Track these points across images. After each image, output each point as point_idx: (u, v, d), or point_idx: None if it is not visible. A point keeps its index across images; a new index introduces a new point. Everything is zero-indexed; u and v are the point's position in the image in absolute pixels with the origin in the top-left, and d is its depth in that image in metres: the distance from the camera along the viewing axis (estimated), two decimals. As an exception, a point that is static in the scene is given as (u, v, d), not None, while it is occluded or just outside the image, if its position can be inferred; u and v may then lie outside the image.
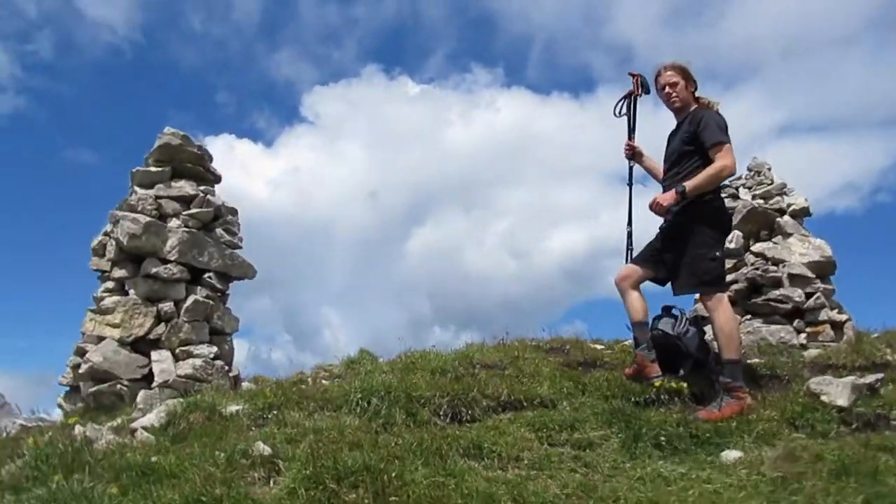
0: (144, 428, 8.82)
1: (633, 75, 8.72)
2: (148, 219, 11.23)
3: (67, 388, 11.63)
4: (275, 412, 9.26)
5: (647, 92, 8.83)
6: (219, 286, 12.21)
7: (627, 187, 9.53)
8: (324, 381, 12.01)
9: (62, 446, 7.45)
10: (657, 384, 8.72)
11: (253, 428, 8.98)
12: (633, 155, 8.94)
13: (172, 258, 11.52)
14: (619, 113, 8.90)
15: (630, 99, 8.80)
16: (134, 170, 12.05)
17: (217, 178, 13.22)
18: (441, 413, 9.12)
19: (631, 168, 9.14)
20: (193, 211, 12.10)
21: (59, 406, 11.65)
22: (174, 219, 11.93)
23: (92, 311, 11.26)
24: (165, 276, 11.40)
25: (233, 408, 9.36)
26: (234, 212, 12.87)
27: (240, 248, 12.91)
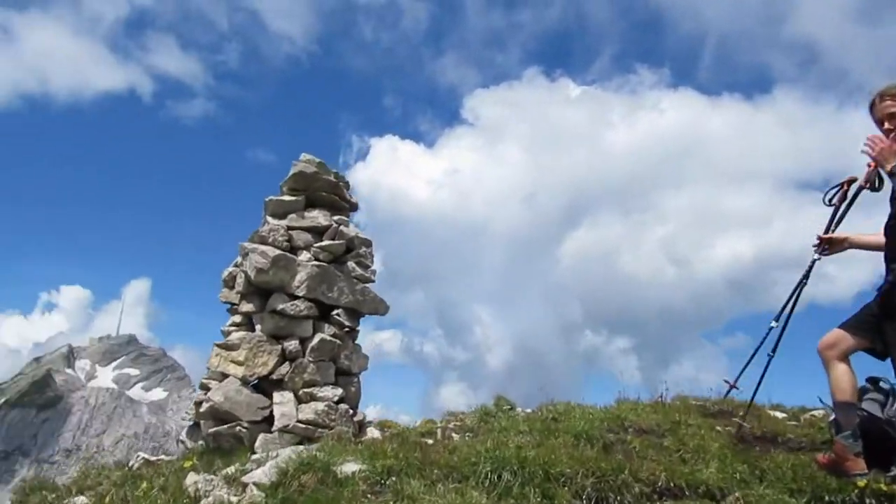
0: (256, 484, 8.10)
1: (871, 165, 6.77)
2: (277, 252, 10.69)
3: (191, 423, 11.07)
4: (394, 479, 8.15)
5: (876, 189, 6.90)
6: (347, 323, 11.46)
7: (802, 280, 7.78)
8: (454, 435, 10.89)
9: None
10: (861, 484, 6.71)
11: (369, 495, 8.01)
12: (825, 248, 7.00)
13: (300, 293, 10.89)
14: (829, 201, 7.00)
15: (849, 189, 6.90)
16: (267, 199, 11.62)
17: (353, 207, 12.59)
18: (584, 497, 7.77)
19: (812, 265, 7.22)
20: (325, 243, 11.48)
21: (182, 442, 11.17)
22: (305, 251, 11.39)
23: (218, 345, 10.79)
24: (292, 312, 10.76)
25: (350, 467, 8.53)
26: (367, 243, 12.12)
27: (372, 282, 12.16)
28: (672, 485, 7.94)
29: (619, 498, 7.62)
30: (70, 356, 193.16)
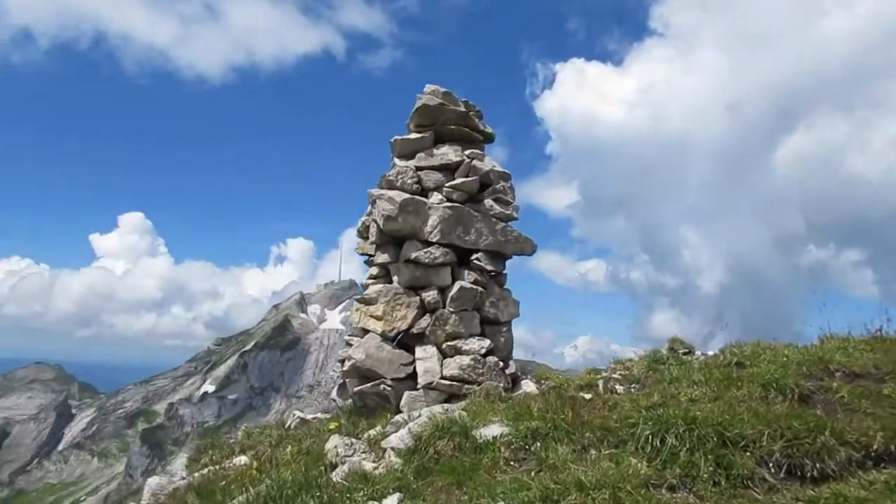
0: (393, 449, 7.90)
1: None
2: (404, 196, 9.84)
3: (340, 381, 10.64)
4: (538, 443, 7.01)
5: None
6: (490, 267, 10.38)
7: None
8: (617, 388, 9.55)
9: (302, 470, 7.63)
10: None
11: (511, 463, 7.10)
12: None
13: (434, 239, 10.00)
14: None
15: None
16: (393, 139, 10.68)
17: (488, 138, 11.40)
18: (771, 465, 6.28)
19: None
20: (457, 182, 10.46)
21: (333, 400, 10.81)
22: (436, 192, 10.33)
23: (359, 300, 10.19)
24: (426, 260, 9.91)
25: (491, 431, 7.88)
26: (505, 177, 10.92)
27: (514, 219, 11.01)
28: (893, 448, 6.22)
29: (817, 466, 6.14)
30: (302, 302, 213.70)
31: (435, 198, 10.76)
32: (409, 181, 10.84)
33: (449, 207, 10.55)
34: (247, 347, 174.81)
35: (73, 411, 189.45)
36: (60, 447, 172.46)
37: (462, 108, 11.32)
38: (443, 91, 11.26)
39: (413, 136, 11.20)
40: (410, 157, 11.18)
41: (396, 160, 11.25)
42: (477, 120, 11.61)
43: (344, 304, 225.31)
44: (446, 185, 10.86)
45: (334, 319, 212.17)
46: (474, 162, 11.02)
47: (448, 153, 11.03)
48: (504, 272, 11.38)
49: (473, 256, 10.81)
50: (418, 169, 11.01)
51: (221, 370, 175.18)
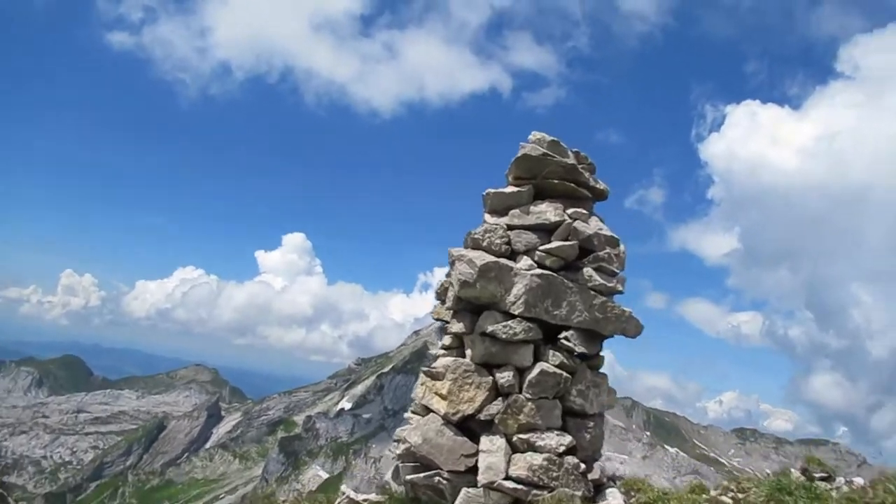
0: None
1: None
2: (486, 260, 8.60)
3: (397, 463, 9.36)
4: None
5: None
6: (581, 349, 8.81)
7: None
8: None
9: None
10: None
11: None
12: None
13: (517, 311, 8.60)
14: None
15: None
16: (486, 192, 9.30)
17: (599, 195, 9.92)
18: None
19: None
20: (552, 245, 9.01)
21: (386, 483, 9.53)
22: (526, 256, 8.81)
23: (424, 371, 8.80)
24: (504, 335, 8.51)
25: None
26: (613, 242, 9.35)
27: (618, 292, 9.24)
28: None
29: None
30: (441, 330, 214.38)
31: (524, 262, 9.29)
32: (497, 241, 9.46)
33: (538, 275, 9.05)
34: (385, 370, 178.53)
35: (223, 413, 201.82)
36: (208, 445, 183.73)
37: (570, 161, 9.82)
38: (549, 140, 9.84)
39: (508, 189, 9.84)
40: (503, 213, 9.81)
41: (487, 216, 9.91)
42: (588, 174, 10.04)
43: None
44: (539, 248, 9.37)
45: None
46: (576, 223, 9.46)
47: (546, 211, 9.55)
48: (600, 354, 9.65)
49: (562, 335, 9.19)
50: (510, 228, 9.62)
51: (359, 389, 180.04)
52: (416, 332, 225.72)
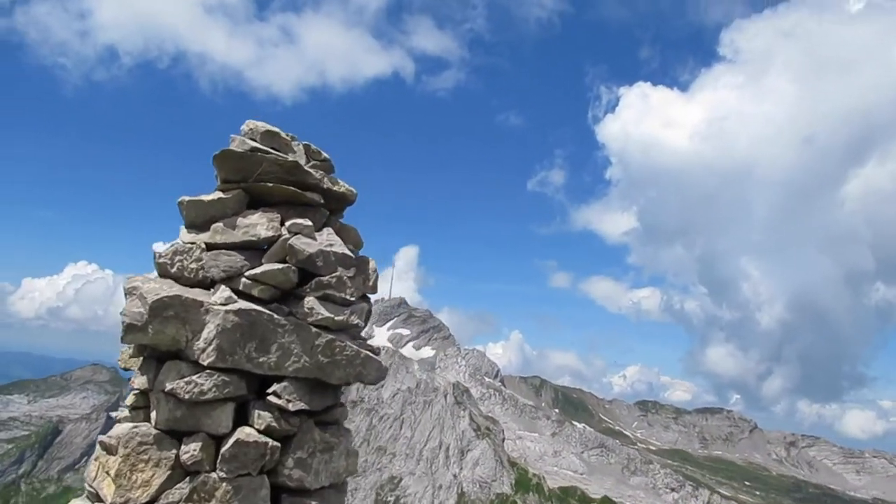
0: None
1: None
2: (162, 294, 6.47)
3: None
4: None
5: None
6: (299, 404, 6.53)
7: None
8: None
9: None
10: None
11: None
12: None
13: (207, 361, 6.00)
14: None
15: None
16: (180, 199, 6.80)
17: (339, 200, 7.42)
18: None
19: None
20: (259, 270, 6.57)
21: None
22: (225, 286, 6.31)
23: (101, 442, 6.32)
24: (187, 395, 5.91)
25: None
26: (347, 262, 7.00)
27: (353, 326, 6.98)
28: None
29: None
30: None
31: (221, 294, 6.93)
32: (191, 265, 7.08)
33: (236, 312, 6.72)
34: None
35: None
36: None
37: (290, 158, 7.47)
38: (264, 130, 7.51)
39: (209, 196, 7.41)
40: (204, 227, 7.40)
41: (183, 231, 7.47)
42: (320, 174, 7.73)
43: (392, 321, 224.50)
44: (246, 274, 7.04)
45: (381, 337, 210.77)
46: (294, 239, 7.16)
47: (257, 224, 7.22)
48: (337, 405, 7.45)
49: (272, 388, 6.92)
50: (210, 247, 7.23)
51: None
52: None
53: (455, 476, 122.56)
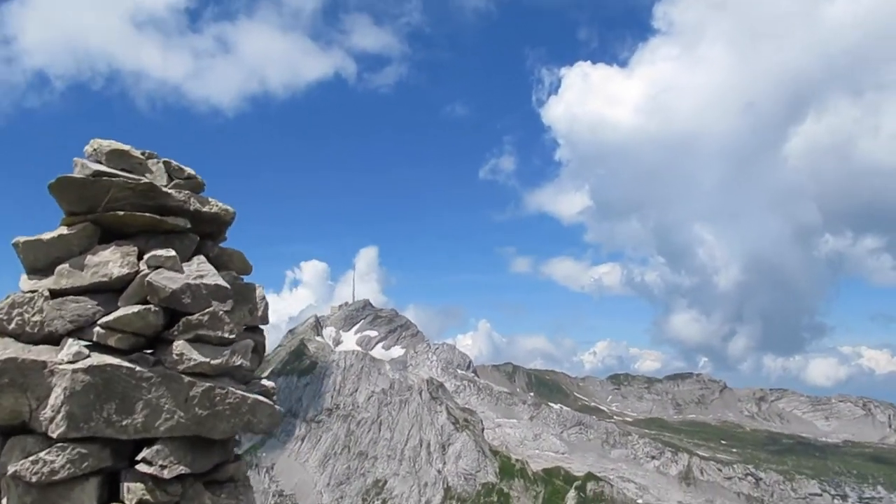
0: None
1: None
2: None
3: None
4: None
5: None
6: (179, 469, 5.33)
7: None
8: None
9: None
10: None
11: None
12: None
13: (56, 433, 4.78)
14: None
15: None
16: (15, 240, 5.57)
17: (210, 222, 6.24)
18: None
19: None
20: (112, 317, 5.33)
21: None
22: (74, 339, 5.13)
23: None
24: (34, 477, 4.71)
25: None
26: (222, 294, 5.75)
27: (237, 368, 5.72)
28: None
29: None
30: (318, 325, 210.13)
31: (68, 350, 5.78)
32: (33, 318, 5.92)
33: (87, 370, 5.59)
34: (264, 375, 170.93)
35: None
36: None
37: (144, 180, 6.34)
38: (110, 149, 6.36)
39: (49, 234, 6.24)
40: (49, 270, 6.24)
41: (24, 278, 6.30)
42: (185, 194, 6.61)
43: (358, 324, 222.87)
44: (99, 322, 5.91)
45: (350, 341, 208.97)
46: (154, 275, 6.04)
47: (109, 262, 6.08)
48: (229, 461, 6.37)
49: (141, 454, 5.81)
50: (55, 294, 6.07)
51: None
52: (292, 332, 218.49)
53: (439, 472, 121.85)
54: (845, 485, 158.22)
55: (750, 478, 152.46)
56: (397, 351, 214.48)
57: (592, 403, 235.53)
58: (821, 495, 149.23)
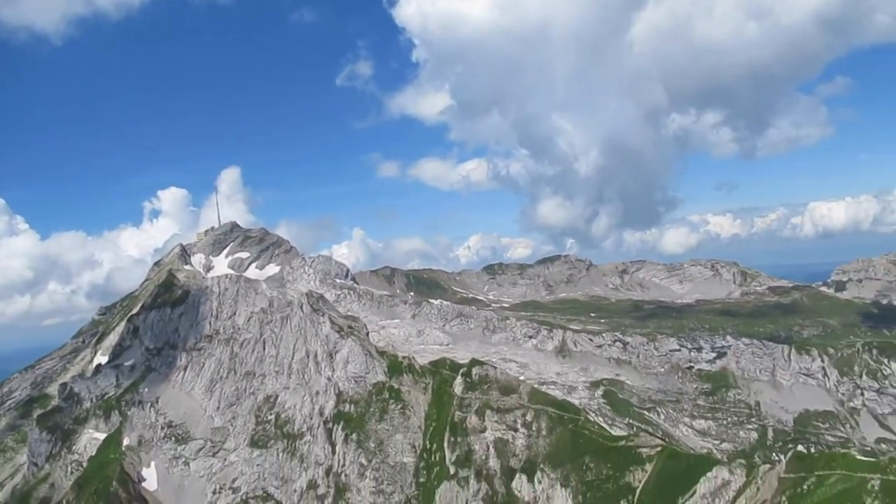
0: None
1: None
2: None
3: None
4: None
5: None
6: None
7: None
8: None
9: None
10: None
11: None
12: None
13: None
14: None
15: None
16: None
17: None
18: None
19: None
20: None
21: None
22: None
23: None
24: None
25: None
26: None
27: None
28: None
29: None
30: (184, 254, 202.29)
31: None
32: None
33: None
34: (134, 311, 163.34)
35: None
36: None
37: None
38: None
39: None
40: None
41: None
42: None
43: (228, 248, 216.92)
44: None
45: (221, 265, 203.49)
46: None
47: None
48: None
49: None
50: None
51: (111, 339, 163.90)
52: (157, 263, 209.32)
53: (329, 379, 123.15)
54: (700, 338, 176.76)
55: (618, 343, 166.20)
56: (272, 269, 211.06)
57: (471, 295, 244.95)
58: (679, 350, 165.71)
